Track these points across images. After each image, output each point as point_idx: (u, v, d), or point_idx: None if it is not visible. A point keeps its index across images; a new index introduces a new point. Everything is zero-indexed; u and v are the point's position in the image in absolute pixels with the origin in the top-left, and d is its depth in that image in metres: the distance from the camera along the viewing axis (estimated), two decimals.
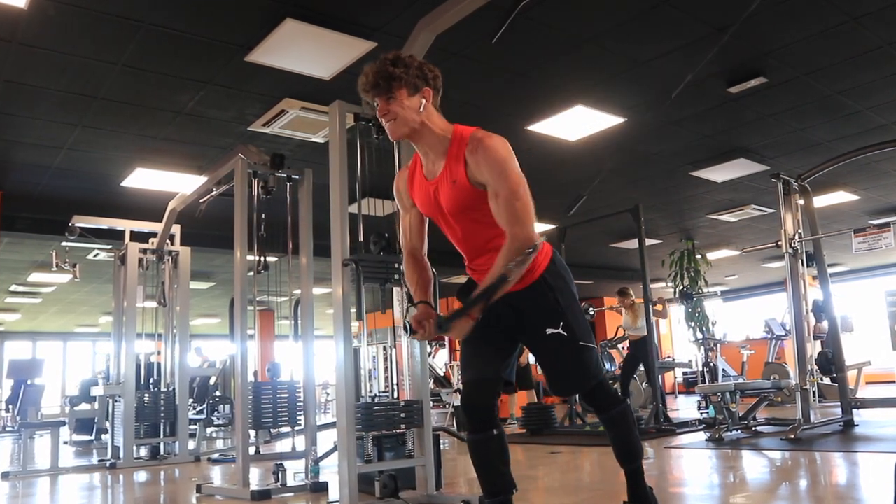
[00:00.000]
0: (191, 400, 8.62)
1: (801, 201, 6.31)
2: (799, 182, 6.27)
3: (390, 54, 2.13)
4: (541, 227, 8.30)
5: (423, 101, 2.12)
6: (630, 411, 2.45)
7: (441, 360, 12.44)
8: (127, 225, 6.77)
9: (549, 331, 2.27)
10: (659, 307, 7.71)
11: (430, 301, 2.32)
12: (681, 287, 10.44)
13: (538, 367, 3.37)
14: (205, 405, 9.27)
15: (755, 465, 4.52)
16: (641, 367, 8.67)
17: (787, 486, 3.69)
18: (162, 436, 6.30)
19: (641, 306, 7.89)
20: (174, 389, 6.40)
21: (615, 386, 9.80)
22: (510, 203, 2.05)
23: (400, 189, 2.38)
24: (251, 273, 4.57)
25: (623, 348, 10.01)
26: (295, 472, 4.42)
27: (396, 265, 3.65)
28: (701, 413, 8.05)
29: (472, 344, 2.33)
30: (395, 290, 3.82)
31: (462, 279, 2.51)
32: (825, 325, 6.51)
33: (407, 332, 2.13)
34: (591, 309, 9.30)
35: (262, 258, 4.60)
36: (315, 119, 5.50)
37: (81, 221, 6.59)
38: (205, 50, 4.44)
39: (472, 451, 2.28)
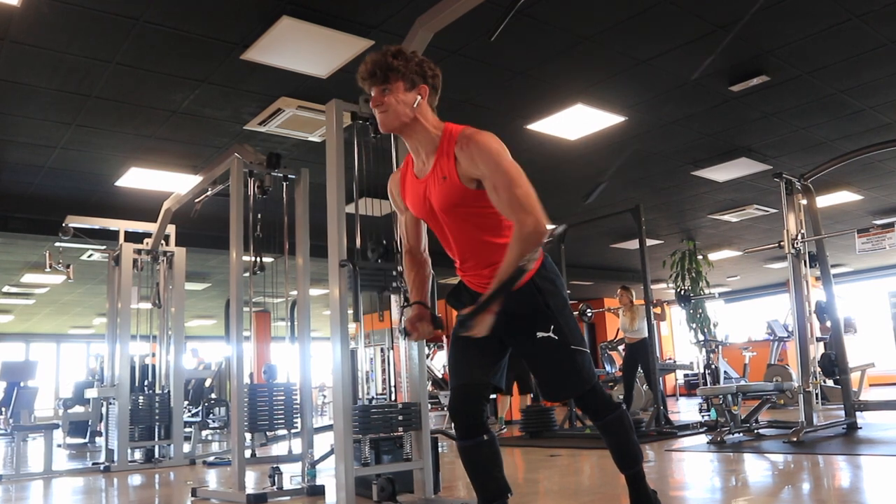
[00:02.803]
0: (186, 402, 8.58)
1: (804, 201, 6.26)
2: (802, 182, 6.21)
3: (393, 47, 2.12)
4: None
5: (419, 97, 2.10)
6: (626, 416, 2.38)
7: (439, 362, 12.39)
8: (121, 225, 6.72)
9: (540, 334, 2.23)
10: (658, 310, 7.65)
11: (425, 301, 2.34)
12: (682, 288, 10.38)
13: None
14: (200, 408, 9.21)
15: (757, 469, 4.47)
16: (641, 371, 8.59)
17: (789, 490, 3.64)
18: (156, 439, 6.24)
19: (639, 308, 7.83)
20: (169, 392, 6.34)
21: (616, 388, 9.76)
22: (510, 191, 2.02)
23: (393, 192, 2.38)
24: (247, 274, 4.52)
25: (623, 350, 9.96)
26: (291, 475, 4.36)
27: (394, 272, 3.62)
28: (702, 415, 8.00)
29: (460, 348, 2.28)
30: (393, 296, 3.77)
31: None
32: (828, 326, 6.46)
33: (403, 335, 2.13)
34: (588, 311, 9.24)
35: (258, 259, 4.56)
36: (312, 118, 5.45)
37: (75, 222, 6.52)
38: (200, 48, 4.39)
39: (463, 458, 2.24)
